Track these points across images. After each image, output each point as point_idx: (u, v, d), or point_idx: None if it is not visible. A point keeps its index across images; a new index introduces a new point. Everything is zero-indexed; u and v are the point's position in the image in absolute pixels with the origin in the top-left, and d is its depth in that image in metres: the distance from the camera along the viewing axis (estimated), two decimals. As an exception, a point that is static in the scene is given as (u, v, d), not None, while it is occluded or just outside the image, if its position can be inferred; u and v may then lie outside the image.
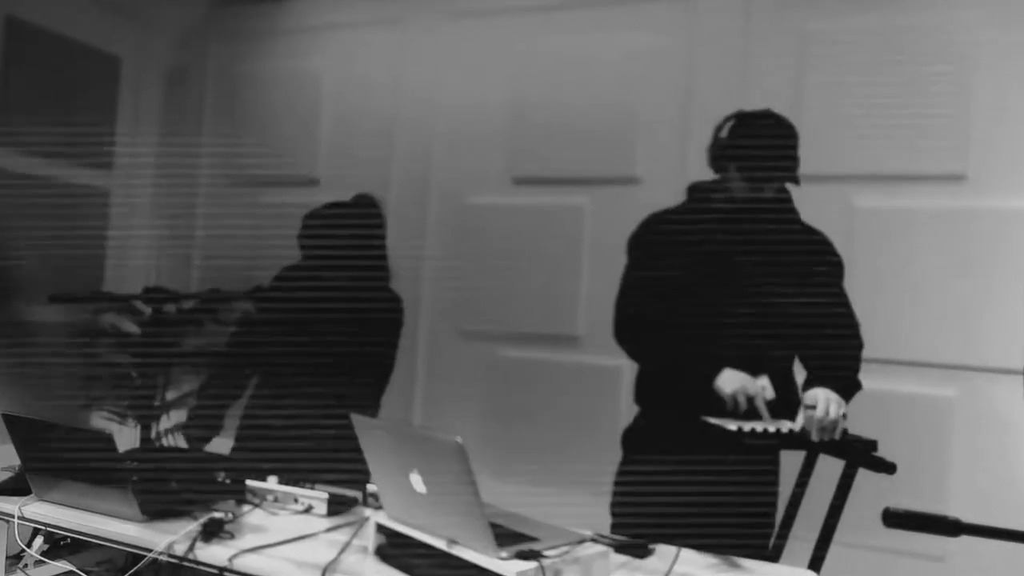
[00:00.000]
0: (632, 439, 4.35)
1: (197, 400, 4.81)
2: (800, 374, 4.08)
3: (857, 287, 5.14)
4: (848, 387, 3.71)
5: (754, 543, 3.88)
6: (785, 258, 3.96)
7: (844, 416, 3.40)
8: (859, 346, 3.91)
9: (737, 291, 4.01)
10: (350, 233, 4.46)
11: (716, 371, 3.85)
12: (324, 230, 4.50)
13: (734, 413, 3.58)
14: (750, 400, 3.62)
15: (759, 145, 4.17)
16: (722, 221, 4.15)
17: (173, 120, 7.64)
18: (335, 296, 4.47)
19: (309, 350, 4.53)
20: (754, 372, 3.89)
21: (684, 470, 3.80)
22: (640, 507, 4.27)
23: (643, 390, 4.32)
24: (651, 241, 4.30)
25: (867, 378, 5.08)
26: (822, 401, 3.43)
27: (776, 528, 3.77)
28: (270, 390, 4.72)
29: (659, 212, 4.33)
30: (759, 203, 4.10)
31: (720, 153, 4.18)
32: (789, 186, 4.21)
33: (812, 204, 5.24)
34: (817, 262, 3.99)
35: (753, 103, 5.53)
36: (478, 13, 6.52)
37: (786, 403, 3.98)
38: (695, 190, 4.29)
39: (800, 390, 3.73)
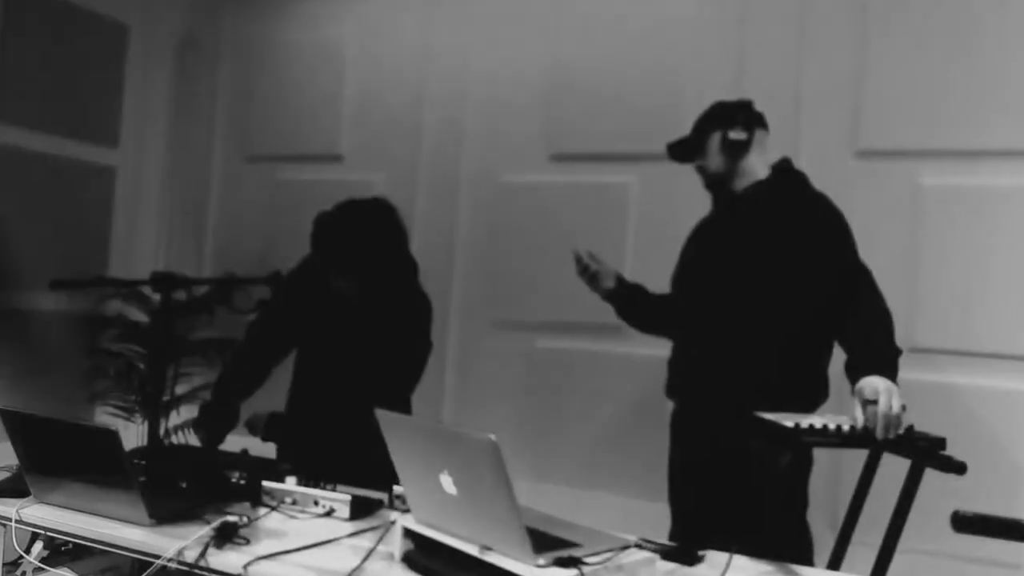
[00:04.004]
0: (676, 424, 4.38)
1: (213, 394, 4.80)
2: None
3: (923, 271, 5.11)
4: (896, 368, 3.66)
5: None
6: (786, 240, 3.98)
7: (904, 408, 3.35)
8: (892, 320, 3.87)
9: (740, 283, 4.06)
10: (363, 240, 4.44)
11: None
12: (335, 234, 4.48)
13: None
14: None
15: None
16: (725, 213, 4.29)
17: (184, 92, 7.65)
18: (348, 304, 4.48)
19: (329, 356, 4.54)
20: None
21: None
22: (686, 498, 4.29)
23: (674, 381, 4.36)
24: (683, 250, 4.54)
25: (935, 371, 5.05)
26: (884, 393, 3.37)
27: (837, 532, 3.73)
28: (300, 385, 4.71)
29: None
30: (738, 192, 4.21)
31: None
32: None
33: (875, 183, 5.22)
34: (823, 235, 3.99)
35: (810, 74, 5.52)
36: (513, -24, 6.51)
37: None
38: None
39: (848, 378, 3.67)
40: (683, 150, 4.29)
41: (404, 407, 4.58)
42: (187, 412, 6.36)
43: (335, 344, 4.50)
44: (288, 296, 4.68)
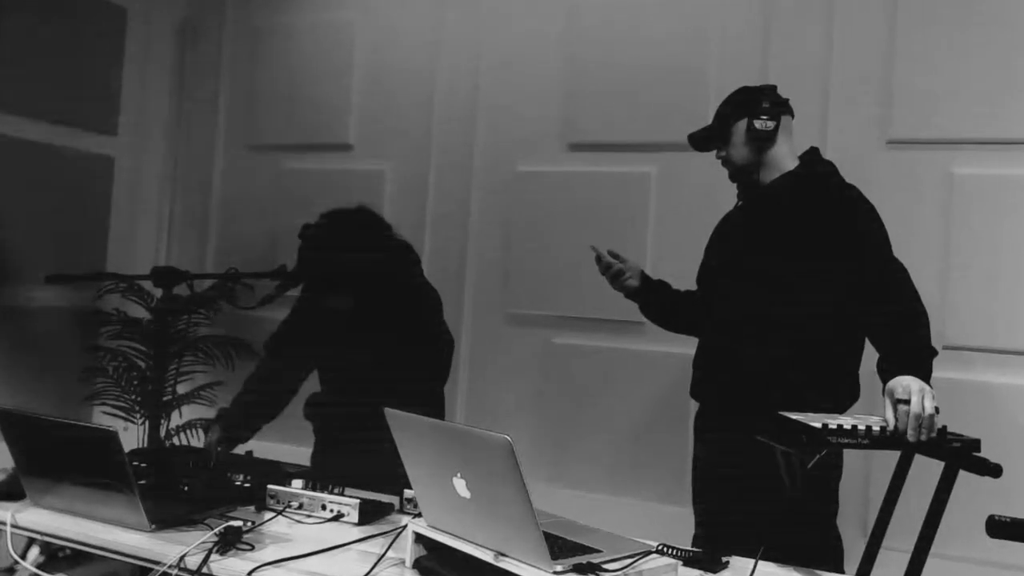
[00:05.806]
0: (701, 425, 4.36)
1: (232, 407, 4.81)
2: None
3: (955, 264, 5.10)
4: (930, 368, 3.64)
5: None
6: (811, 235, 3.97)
7: (937, 410, 3.34)
8: (927, 318, 3.85)
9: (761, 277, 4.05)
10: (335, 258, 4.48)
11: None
12: (311, 255, 4.52)
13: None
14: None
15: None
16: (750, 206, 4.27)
17: (186, 78, 7.66)
18: (344, 318, 4.50)
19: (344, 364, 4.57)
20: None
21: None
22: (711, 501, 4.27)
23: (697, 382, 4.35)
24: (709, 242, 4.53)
25: (967, 369, 5.04)
26: (916, 393, 3.35)
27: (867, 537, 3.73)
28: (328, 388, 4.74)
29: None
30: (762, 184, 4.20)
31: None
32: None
33: (906, 173, 5.20)
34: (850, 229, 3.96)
35: (840, 62, 5.50)
36: (529, -42, 6.49)
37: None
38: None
39: (880, 378, 3.66)
40: (705, 140, 4.27)
41: (431, 404, 4.61)
42: (189, 412, 6.37)
43: (346, 357, 4.52)
44: (295, 323, 4.74)
